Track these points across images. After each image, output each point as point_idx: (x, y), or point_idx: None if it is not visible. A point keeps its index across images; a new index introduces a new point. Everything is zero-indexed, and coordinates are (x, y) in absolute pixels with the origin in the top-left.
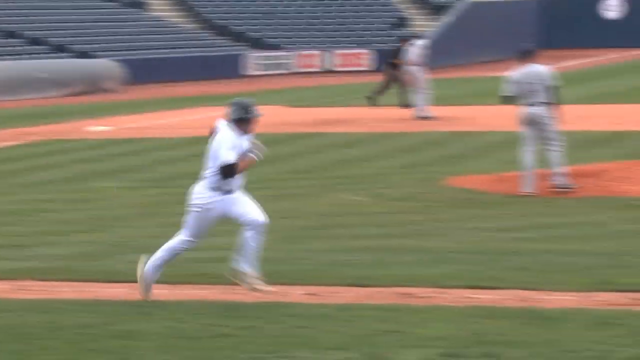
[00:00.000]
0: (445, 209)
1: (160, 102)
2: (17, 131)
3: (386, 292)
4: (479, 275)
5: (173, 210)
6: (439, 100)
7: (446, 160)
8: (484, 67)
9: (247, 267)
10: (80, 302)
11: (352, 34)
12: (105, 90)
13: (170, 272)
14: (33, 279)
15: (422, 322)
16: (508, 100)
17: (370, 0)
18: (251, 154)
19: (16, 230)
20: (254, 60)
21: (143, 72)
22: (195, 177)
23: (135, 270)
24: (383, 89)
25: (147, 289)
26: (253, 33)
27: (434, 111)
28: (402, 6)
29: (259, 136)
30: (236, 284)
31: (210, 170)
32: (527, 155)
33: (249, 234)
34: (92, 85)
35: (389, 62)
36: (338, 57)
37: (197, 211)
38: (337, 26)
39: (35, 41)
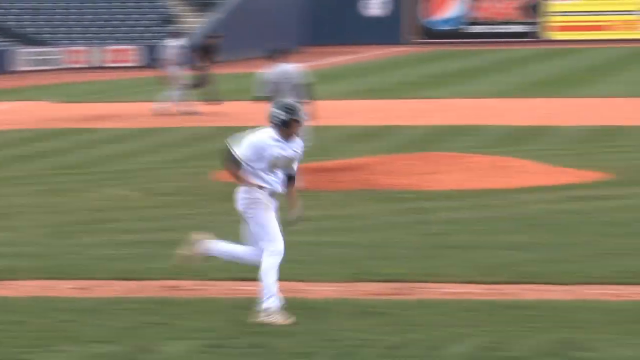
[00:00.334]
0: (214, 203)
1: None
2: None
3: (153, 285)
4: (247, 267)
5: None
6: (206, 96)
7: (214, 155)
8: (250, 63)
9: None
10: None
11: (121, 30)
12: None
13: None
14: None
15: (188, 314)
16: (261, 99)
17: None
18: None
19: None
20: (22, 56)
21: None
22: None
23: None
24: (201, 83)
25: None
26: (20, 29)
27: (199, 107)
28: (171, 3)
29: (28, 132)
30: None
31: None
32: None
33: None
34: None
35: (199, 56)
36: (107, 53)
37: (257, 209)
38: (105, 22)
39: None
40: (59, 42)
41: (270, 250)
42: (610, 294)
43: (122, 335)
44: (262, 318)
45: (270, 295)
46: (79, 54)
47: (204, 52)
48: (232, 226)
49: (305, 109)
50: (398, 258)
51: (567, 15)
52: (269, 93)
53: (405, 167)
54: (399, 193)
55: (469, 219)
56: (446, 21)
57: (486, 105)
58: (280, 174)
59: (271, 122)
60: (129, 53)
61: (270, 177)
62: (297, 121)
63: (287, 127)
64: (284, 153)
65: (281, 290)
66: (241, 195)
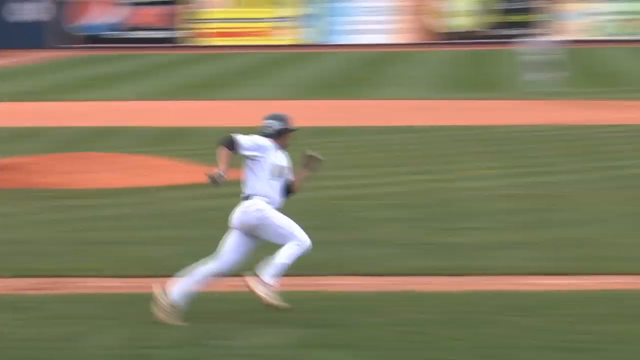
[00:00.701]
0: None
1: None
2: None
3: None
4: None
5: None
6: None
7: None
8: None
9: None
10: None
11: None
12: None
13: None
14: None
15: None
16: None
17: None
18: (307, 169)
19: None
20: None
21: None
22: None
23: None
24: None
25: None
26: None
27: None
28: None
29: None
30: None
31: (264, 184)
32: None
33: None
34: None
35: None
36: None
37: (271, 213)
38: None
39: None
40: None
41: (297, 240)
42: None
43: None
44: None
45: (277, 275)
46: None
47: None
48: None
49: None
50: (46, 254)
51: (218, 22)
52: None
53: (57, 167)
54: (50, 191)
55: (116, 215)
56: (98, 27)
57: (134, 107)
58: (278, 185)
59: (264, 132)
60: None
61: (271, 188)
62: (289, 130)
63: (280, 136)
64: (278, 162)
65: None
66: (250, 209)
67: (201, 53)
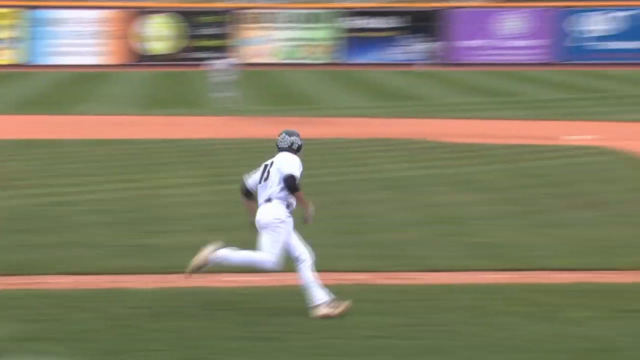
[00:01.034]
0: None
1: None
2: None
3: None
4: None
5: None
6: None
7: None
8: None
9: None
10: None
11: None
12: None
13: None
14: None
15: None
16: None
17: None
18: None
19: None
20: None
21: None
22: None
23: None
24: None
25: (199, 268)
26: None
27: None
28: None
29: None
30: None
31: (279, 188)
32: None
33: (302, 267)
34: None
35: None
36: None
37: (280, 226)
38: None
39: None
40: None
41: (271, 261)
42: None
43: None
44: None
45: (224, 259)
46: None
47: None
48: None
49: None
50: None
51: None
52: None
53: None
54: None
55: None
56: None
57: None
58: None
59: (290, 148)
60: None
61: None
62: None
63: (300, 151)
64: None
65: None
66: (273, 210)
67: None
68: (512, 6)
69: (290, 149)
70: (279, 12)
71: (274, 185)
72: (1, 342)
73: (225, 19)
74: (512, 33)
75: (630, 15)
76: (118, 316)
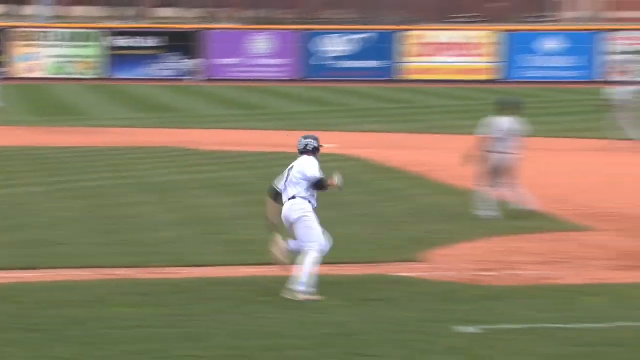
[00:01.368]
0: None
1: None
2: None
3: None
4: None
5: None
6: None
7: None
8: None
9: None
10: None
11: None
12: None
13: None
14: None
15: None
16: None
17: None
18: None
19: None
20: None
21: None
22: None
23: None
24: None
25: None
26: None
27: None
28: None
29: None
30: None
31: (301, 188)
32: None
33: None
34: None
35: None
36: None
37: (309, 215)
38: None
39: None
40: None
41: (316, 246)
42: None
43: None
44: (299, 295)
45: (306, 278)
46: None
47: None
48: None
49: None
50: None
51: None
52: None
53: None
54: None
55: None
56: None
57: None
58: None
59: (305, 149)
60: None
61: (309, 191)
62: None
63: (317, 152)
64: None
65: None
66: (300, 205)
67: None
68: (262, 28)
69: (305, 150)
70: (49, 31)
71: (298, 187)
72: None
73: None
74: (263, 52)
75: (363, 38)
76: None
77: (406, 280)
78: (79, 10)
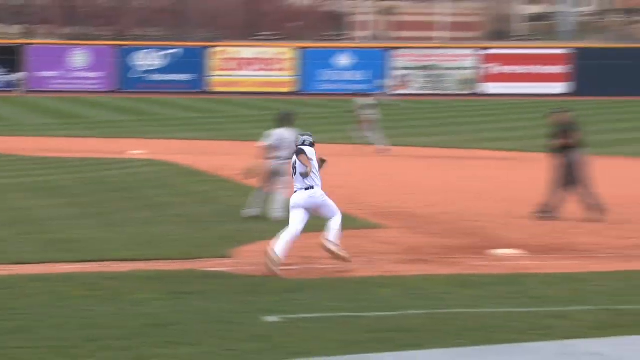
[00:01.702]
0: None
1: None
2: None
3: None
4: None
5: None
6: None
7: None
8: None
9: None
10: None
11: None
12: None
13: None
14: None
15: None
16: None
17: None
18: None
19: None
20: None
21: None
22: None
23: None
24: None
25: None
26: None
27: None
28: None
29: None
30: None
31: (317, 177)
32: None
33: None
34: None
35: None
36: None
37: (325, 196)
38: None
39: None
40: None
41: (338, 215)
42: None
43: None
44: (335, 250)
45: (338, 236)
46: None
47: None
48: None
49: None
50: None
51: None
52: None
53: None
54: None
55: None
56: None
57: None
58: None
59: (303, 144)
60: None
61: (319, 179)
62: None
63: (313, 145)
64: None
65: None
66: (319, 190)
67: None
68: (81, 43)
69: (303, 144)
70: None
71: (316, 179)
72: None
73: None
74: (81, 66)
75: (174, 53)
76: None
77: (217, 274)
78: None
